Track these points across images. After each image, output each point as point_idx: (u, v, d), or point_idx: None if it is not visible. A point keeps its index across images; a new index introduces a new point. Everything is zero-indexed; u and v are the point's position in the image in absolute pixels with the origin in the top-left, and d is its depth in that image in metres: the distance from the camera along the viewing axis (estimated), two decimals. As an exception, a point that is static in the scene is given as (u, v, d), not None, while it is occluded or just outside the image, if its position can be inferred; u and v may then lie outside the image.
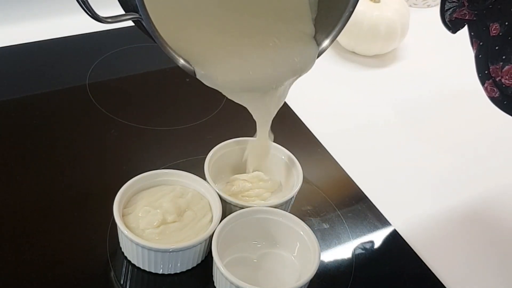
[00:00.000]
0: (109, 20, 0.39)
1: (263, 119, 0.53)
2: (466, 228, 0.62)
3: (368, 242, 0.58)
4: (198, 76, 0.47)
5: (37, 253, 0.51)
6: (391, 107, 0.78)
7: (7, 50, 0.76)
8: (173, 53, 0.44)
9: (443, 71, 0.86)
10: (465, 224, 0.62)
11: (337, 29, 0.50)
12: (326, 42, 0.51)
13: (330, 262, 0.55)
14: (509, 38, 0.46)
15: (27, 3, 0.81)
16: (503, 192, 0.67)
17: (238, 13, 0.50)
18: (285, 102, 0.72)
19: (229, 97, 0.50)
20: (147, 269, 0.51)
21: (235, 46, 0.49)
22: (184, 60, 0.46)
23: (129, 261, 0.52)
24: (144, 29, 0.41)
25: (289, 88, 0.52)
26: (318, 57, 0.51)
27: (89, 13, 0.38)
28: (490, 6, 0.46)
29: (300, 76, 0.51)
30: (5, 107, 0.68)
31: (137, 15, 0.40)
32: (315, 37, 0.51)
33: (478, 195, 0.66)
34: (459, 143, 0.73)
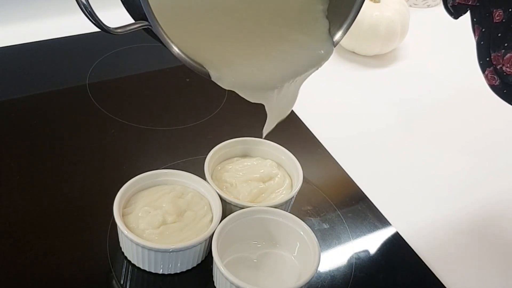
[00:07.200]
0: (119, 30, 0.39)
1: (277, 117, 0.53)
2: (466, 227, 0.62)
3: (368, 242, 0.58)
4: (213, 79, 0.46)
5: (37, 253, 0.51)
6: (391, 107, 0.78)
7: (7, 50, 0.76)
8: (185, 57, 0.44)
9: (444, 71, 0.86)
10: (465, 223, 0.62)
11: (349, 19, 0.50)
12: (340, 33, 0.51)
13: (330, 262, 0.55)
14: None
15: (27, 3, 0.81)
16: (504, 191, 0.67)
17: (250, 12, 0.50)
18: (285, 102, 0.72)
19: (245, 97, 0.50)
20: (147, 269, 0.51)
21: (249, 44, 0.49)
22: (197, 63, 0.45)
23: (129, 261, 0.52)
24: (153, 34, 0.41)
25: (300, 86, 0.52)
26: (334, 46, 0.51)
27: (96, 23, 0.37)
28: None
29: (318, 68, 0.50)
30: (5, 107, 0.68)
31: (146, 23, 0.39)
32: (329, 30, 0.51)
33: (479, 193, 0.66)
34: (459, 143, 0.73)
